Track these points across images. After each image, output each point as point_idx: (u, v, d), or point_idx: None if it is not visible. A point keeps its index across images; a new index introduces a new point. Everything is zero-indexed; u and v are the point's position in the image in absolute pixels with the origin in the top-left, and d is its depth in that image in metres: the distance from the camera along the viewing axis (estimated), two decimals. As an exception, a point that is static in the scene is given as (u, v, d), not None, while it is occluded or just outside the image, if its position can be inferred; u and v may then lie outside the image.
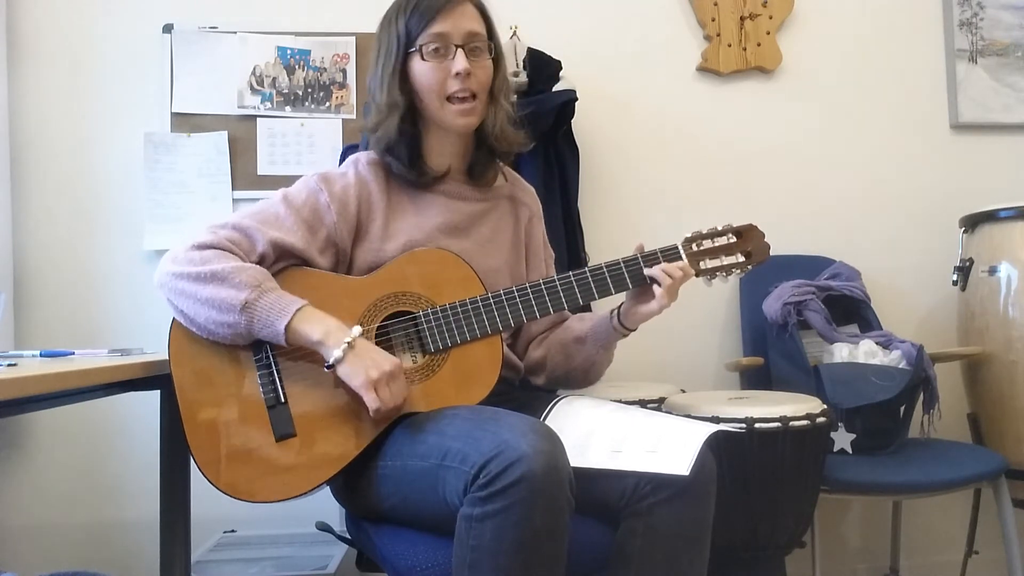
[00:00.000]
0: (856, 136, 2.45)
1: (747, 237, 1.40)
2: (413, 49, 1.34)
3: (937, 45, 2.49)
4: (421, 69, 1.35)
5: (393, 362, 1.22)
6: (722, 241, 1.39)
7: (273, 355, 1.27)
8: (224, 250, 1.27)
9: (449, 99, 1.36)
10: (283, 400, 1.26)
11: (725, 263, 1.39)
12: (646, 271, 1.34)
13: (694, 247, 1.38)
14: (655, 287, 1.33)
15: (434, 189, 1.44)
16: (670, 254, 1.36)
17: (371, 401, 1.20)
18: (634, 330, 1.41)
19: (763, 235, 1.41)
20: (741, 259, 1.39)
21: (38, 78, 2.19)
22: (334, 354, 1.20)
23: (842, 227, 2.41)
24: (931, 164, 2.46)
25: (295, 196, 1.36)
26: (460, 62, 1.33)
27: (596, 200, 2.31)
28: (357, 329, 1.23)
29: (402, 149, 1.38)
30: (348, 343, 1.20)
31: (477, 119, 1.39)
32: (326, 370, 1.21)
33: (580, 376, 1.48)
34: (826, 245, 2.36)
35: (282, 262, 1.33)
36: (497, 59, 1.41)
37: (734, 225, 1.41)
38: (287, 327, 1.21)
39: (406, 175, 1.41)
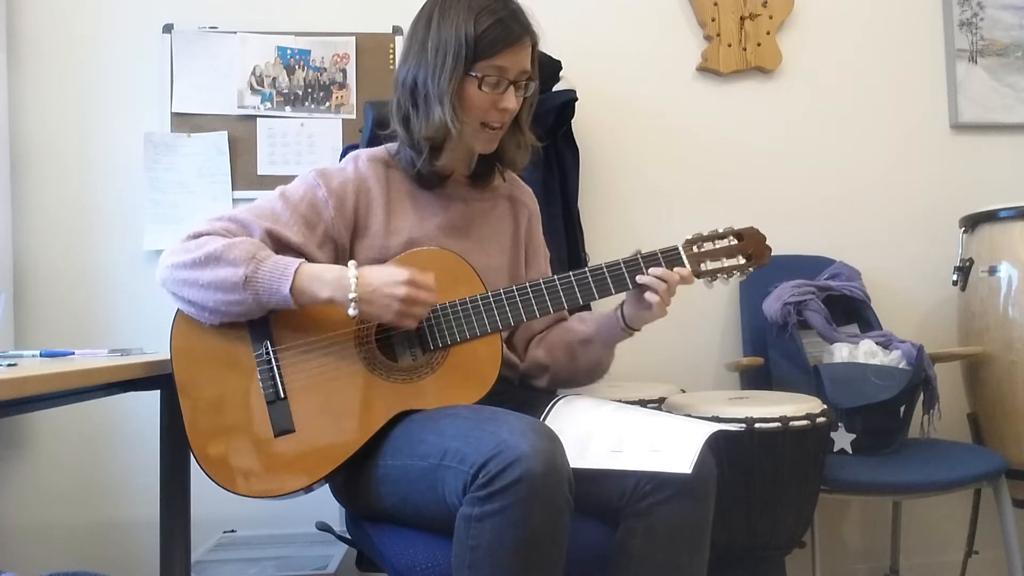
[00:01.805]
0: (856, 136, 2.45)
1: (748, 239, 1.40)
2: (474, 74, 1.32)
3: (937, 45, 2.49)
4: (473, 94, 1.33)
5: (405, 279, 1.23)
6: (723, 243, 1.39)
7: (274, 351, 1.28)
8: (217, 235, 1.27)
9: (483, 124, 1.36)
10: (283, 396, 1.26)
11: (726, 265, 1.39)
12: (639, 279, 1.34)
13: (695, 249, 1.38)
14: (648, 294, 1.32)
15: (435, 190, 1.44)
16: (670, 255, 1.36)
17: (407, 327, 1.27)
18: (639, 330, 1.41)
19: (764, 238, 1.41)
20: (742, 261, 1.39)
21: (38, 78, 2.19)
22: (350, 311, 1.22)
23: (842, 227, 2.41)
24: (931, 164, 2.46)
25: (293, 192, 1.37)
26: (510, 100, 1.34)
27: (596, 200, 2.31)
28: (352, 272, 1.23)
29: (429, 150, 1.38)
30: (355, 296, 1.22)
31: (497, 143, 1.41)
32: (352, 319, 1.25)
33: (584, 377, 1.48)
34: (826, 245, 2.36)
35: (282, 256, 1.33)
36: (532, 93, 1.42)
37: (735, 227, 1.40)
38: (292, 292, 1.22)
39: (423, 170, 1.40)
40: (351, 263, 1.25)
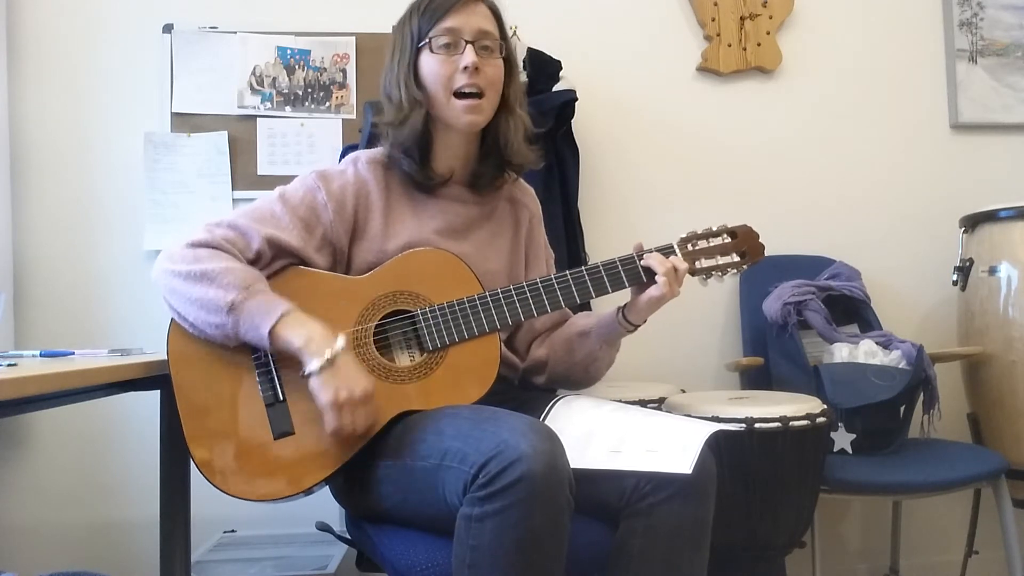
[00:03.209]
0: (856, 136, 2.45)
1: (742, 237, 1.41)
2: (423, 43, 1.34)
3: (937, 45, 2.49)
4: (430, 63, 1.34)
5: (365, 388, 1.20)
6: (717, 241, 1.40)
7: (272, 354, 1.27)
8: (219, 249, 1.27)
9: (457, 95, 1.34)
10: (281, 398, 1.26)
11: (720, 263, 1.40)
12: (643, 262, 1.34)
13: (689, 247, 1.39)
14: (658, 277, 1.32)
15: (434, 193, 1.43)
16: (666, 254, 1.36)
17: (329, 422, 1.19)
18: (639, 325, 1.40)
19: (758, 235, 1.42)
20: (736, 259, 1.40)
21: (38, 78, 2.19)
22: (311, 366, 1.18)
23: (842, 227, 2.41)
24: (931, 164, 2.46)
25: (292, 194, 1.36)
26: (469, 56, 1.33)
27: (596, 200, 2.31)
28: (341, 342, 1.20)
29: (415, 148, 1.38)
30: (328, 359, 1.18)
31: (483, 119, 1.38)
32: (301, 378, 1.20)
33: (581, 372, 1.48)
34: (826, 245, 2.36)
35: (279, 260, 1.33)
36: (509, 62, 1.41)
37: (729, 225, 1.41)
38: (271, 331, 1.20)
39: (415, 176, 1.40)
40: (341, 336, 1.22)
